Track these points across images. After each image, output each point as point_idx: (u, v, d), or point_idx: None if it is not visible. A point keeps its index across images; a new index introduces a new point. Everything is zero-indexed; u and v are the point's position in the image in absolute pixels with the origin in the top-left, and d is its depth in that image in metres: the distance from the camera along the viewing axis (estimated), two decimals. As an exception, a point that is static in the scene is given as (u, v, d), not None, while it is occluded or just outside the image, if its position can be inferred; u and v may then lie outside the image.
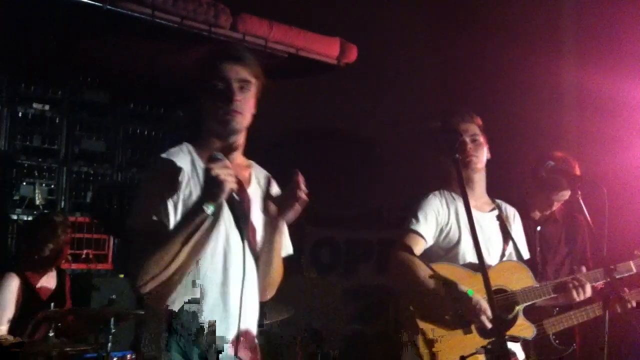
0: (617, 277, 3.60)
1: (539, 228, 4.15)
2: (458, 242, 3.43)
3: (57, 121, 5.97)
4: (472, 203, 3.47)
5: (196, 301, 2.48)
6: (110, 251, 5.97)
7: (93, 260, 5.82)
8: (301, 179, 2.57)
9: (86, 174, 6.06)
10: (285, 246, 2.76)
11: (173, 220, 2.44)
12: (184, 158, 2.56)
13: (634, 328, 3.41)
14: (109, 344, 3.99)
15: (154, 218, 2.43)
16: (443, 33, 6.46)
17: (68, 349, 4.04)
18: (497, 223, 3.56)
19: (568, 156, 4.10)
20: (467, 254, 3.42)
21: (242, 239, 2.56)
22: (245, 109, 2.57)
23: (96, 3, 4.89)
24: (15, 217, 5.64)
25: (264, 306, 2.81)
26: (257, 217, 2.65)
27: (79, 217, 5.86)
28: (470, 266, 3.39)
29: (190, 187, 2.50)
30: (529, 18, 5.97)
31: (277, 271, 2.70)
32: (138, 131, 6.40)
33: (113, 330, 4.04)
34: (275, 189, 2.73)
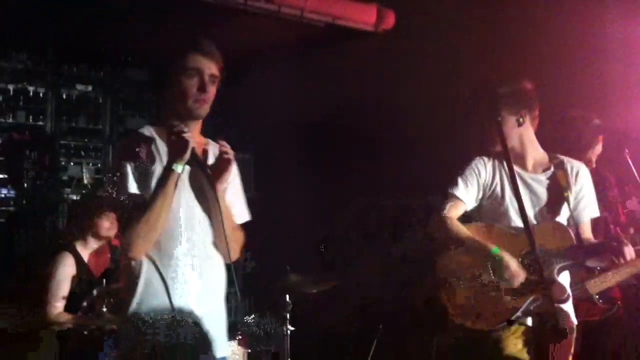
0: None
1: None
2: (502, 203, 3.43)
3: (100, 101, 6.07)
4: (527, 163, 3.46)
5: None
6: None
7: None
8: (224, 143, 2.88)
9: (131, 152, 6.14)
10: (240, 212, 3.03)
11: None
12: (147, 139, 2.86)
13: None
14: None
15: (132, 191, 2.74)
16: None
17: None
18: (550, 184, 3.50)
19: (585, 114, 4.03)
20: (513, 215, 3.41)
21: (200, 204, 2.86)
22: (210, 99, 2.88)
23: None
24: (65, 197, 5.77)
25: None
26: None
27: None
28: (514, 228, 3.37)
29: (155, 164, 2.80)
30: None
31: (230, 235, 2.86)
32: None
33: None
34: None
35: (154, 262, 2.77)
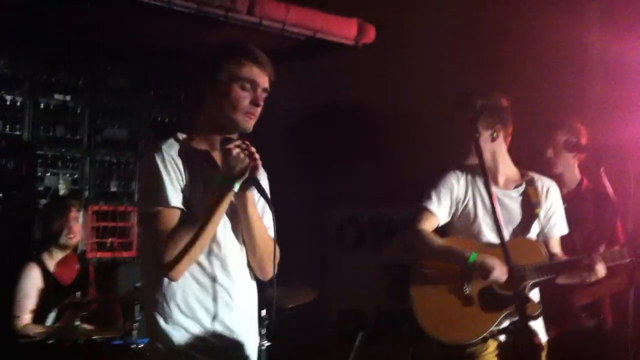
0: None
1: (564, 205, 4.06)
2: (475, 219, 3.46)
3: (78, 111, 6.01)
4: (498, 179, 3.48)
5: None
6: (135, 239, 6.02)
7: (118, 248, 5.88)
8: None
9: (109, 162, 6.10)
10: (268, 224, 2.75)
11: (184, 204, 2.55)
12: (178, 149, 2.65)
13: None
14: (135, 331, 4.03)
15: (174, 204, 2.52)
16: (463, 8, 6.36)
17: (95, 336, 4.09)
18: (522, 200, 3.52)
19: (575, 123, 4.04)
20: (485, 231, 3.43)
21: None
22: (258, 115, 2.68)
23: (112, -10, 4.88)
24: (40, 207, 5.69)
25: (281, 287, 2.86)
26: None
27: (104, 206, 5.91)
28: (487, 243, 3.38)
29: (186, 176, 2.58)
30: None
31: (262, 247, 2.69)
32: (159, 117, 6.42)
33: (138, 318, 4.08)
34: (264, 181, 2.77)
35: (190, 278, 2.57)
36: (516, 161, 3.64)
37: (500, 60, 5.70)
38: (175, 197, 2.52)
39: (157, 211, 2.51)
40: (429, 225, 3.48)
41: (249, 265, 2.74)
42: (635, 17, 5.42)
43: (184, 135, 2.72)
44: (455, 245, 3.43)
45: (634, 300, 3.18)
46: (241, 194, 2.60)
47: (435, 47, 6.01)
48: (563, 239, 3.64)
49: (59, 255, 4.69)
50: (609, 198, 3.84)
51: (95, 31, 5.62)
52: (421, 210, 3.49)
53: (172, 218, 2.51)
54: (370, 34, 6.09)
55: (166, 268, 2.47)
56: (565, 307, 3.77)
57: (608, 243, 3.79)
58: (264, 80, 2.66)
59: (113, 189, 6.08)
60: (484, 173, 2.84)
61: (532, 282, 3.34)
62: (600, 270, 3.35)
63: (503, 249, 2.51)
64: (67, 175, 5.85)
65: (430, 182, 3.55)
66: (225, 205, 2.52)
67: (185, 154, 2.63)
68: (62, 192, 5.69)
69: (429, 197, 3.49)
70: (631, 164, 3.38)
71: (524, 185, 3.55)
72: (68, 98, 5.95)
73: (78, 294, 4.39)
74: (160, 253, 2.47)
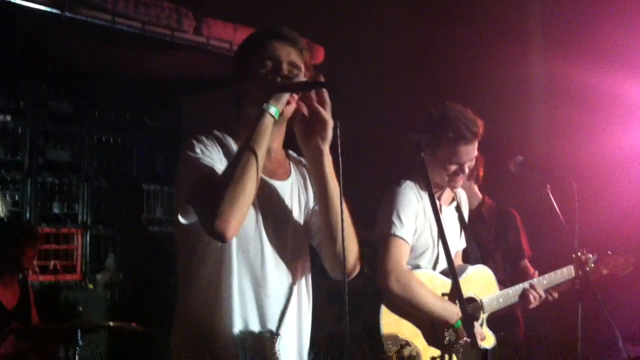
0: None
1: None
2: (430, 245, 3.32)
3: (20, 132, 5.85)
4: (437, 195, 3.38)
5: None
6: (78, 262, 5.86)
7: (61, 271, 5.72)
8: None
9: (51, 184, 5.95)
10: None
11: None
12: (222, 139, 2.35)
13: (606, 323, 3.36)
14: (77, 358, 3.91)
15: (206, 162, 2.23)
16: (411, 31, 6.44)
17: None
18: (456, 215, 3.53)
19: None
20: (439, 256, 3.35)
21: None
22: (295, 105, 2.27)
23: (54, 10, 4.77)
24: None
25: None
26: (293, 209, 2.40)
27: (45, 228, 5.74)
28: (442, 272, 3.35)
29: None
30: (496, 10, 5.97)
31: (348, 231, 2.27)
32: (104, 139, 6.30)
33: (81, 344, 3.95)
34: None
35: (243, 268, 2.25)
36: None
37: (446, 84, 5.78)
38: (219, 167, 2.23)
39: (199, 173, 2.20)
40: (404, 258, 3.18)
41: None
42: (577, 44, 5.57)
43: (224, 132, 2.38)
44: (431, 296, 3.19)
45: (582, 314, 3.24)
46: (309, 149, 2.27)
47: (382, 68, 6.06)
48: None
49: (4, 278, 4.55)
50: (514, 216, 3.97)
51: (37, 52, 5.49)
52: (389, 241, 3.19)
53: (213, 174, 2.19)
54: (320, 55, 6.11)
55: (212, 227, 2.10)
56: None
57: (515, 259, 4.00)
58: (287, 53, 2.32)
59: (56, 210, 5.92)
60: (432, 198, 2.59)
61: (487, 314, 3.39)
62: (532, 298, 3.49)
63: (455, 286, 2.46)
64: (7, 197, 5.68)
65: (388, 201, 3.28)
66: (263, 134, 2.16)
67: (226, 146, 2.33)
68: (2, 214, 5.51)
69: (397, 220, 3.19)
70: (575, 183, 3.44)
71: (456, 200, 3.54)
72: (8, 118, 5.78)
73: (15, 319, 4.23)
74: (206, 210, 2.13)
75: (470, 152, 3.27)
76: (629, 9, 5.52)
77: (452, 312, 3.17)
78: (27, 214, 5.77)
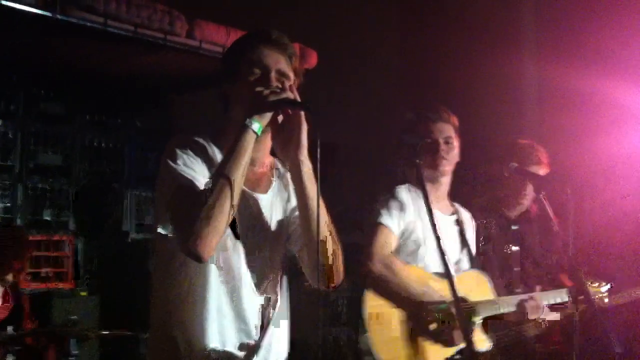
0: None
1: (514, 227, 4.02)
2: (421, 244, 3.30)
3: (10, 136, 5.79)
4: (434, 205, 3.38)
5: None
6: (70, 269, 5.79)
7: (53, 278, 5.66)
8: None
9: (42, 189, 5.88)
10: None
11: None
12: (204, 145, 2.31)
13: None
14: (71, 365, 3.88)
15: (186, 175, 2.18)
16: (404, 35, 6.44)
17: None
18: (456, 228, 3.49)
19: (534, 143, 4.05)
20: (429, 258, 3.29)
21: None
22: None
23: (46, 13, 4.74)
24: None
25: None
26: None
27: (37, 235, 5.68)
28: (437, 274, 3.30)
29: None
30: (489, 14, 5.98)
31: (329, 242, 2.26)
32: (95, 142, 6.25)
33: (75, 352, 3.92)
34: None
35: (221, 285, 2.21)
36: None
37: (440, 89, 5.78)
38: (200, 180, 2.18)
39: (178, 186, 2.16)
40: (388, 246, 3.17)
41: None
42: (570, 48, 5.57)
43: (208, 138, 2.33)
44: (414, 277, 3.19)
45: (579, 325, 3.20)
46: (286, 157, 2.26)
47: (375, 72, 6.06)
48: (504, 260, 3.61)
49: None
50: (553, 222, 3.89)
51: (28, 54, 5.46)
52: (375, 228, 3.19)
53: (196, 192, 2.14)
54: (312, 59, 6.09)
55: (187, 247, 2.08)
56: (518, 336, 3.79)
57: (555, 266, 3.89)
58: (275, 60, 2.28)
59: (47, 217, 5.86)
60: (426, 200, 2.59)
61: (481, 318, 3.34)
62: (529, 308, 3.43)
63: (449, 282, 2.45)
64: (-2, 202, 5.63)
65: (378, 198, 3.26)
66: (244, 151, 2.13)
67: (209, 152, 2.29)
68: (-8, 220, 5.47)
69: (383, 210, 3.20)
70: (569, 188, 3.42)
71: (456, 214, 3.51)
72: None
73: (10, 328, 4.17)
74: (182, 228, 2.10)
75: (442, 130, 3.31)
76: (621, 14, 5.53)
77: (436, 296, 3.13)
78: (18, 220, 5.71)
